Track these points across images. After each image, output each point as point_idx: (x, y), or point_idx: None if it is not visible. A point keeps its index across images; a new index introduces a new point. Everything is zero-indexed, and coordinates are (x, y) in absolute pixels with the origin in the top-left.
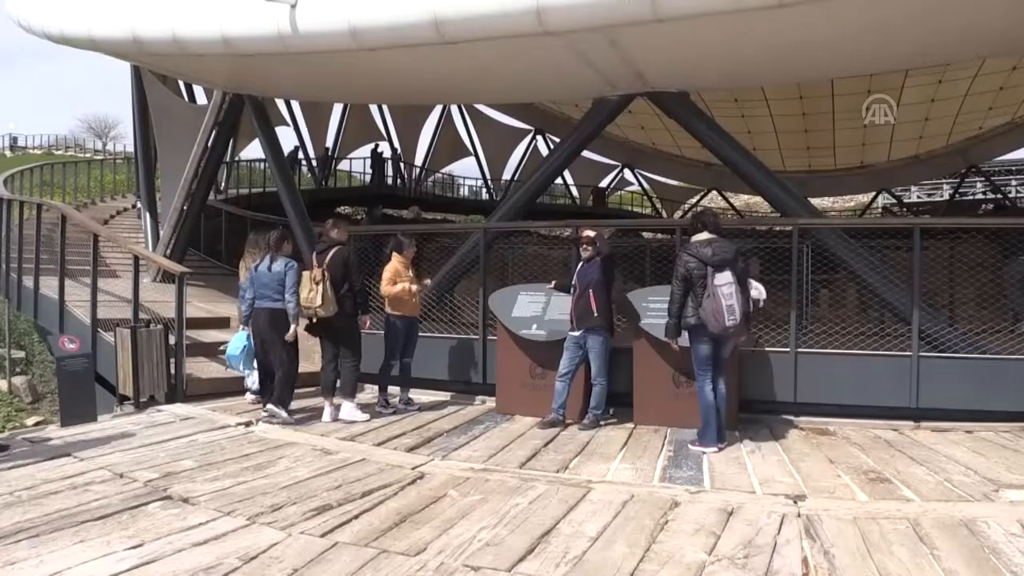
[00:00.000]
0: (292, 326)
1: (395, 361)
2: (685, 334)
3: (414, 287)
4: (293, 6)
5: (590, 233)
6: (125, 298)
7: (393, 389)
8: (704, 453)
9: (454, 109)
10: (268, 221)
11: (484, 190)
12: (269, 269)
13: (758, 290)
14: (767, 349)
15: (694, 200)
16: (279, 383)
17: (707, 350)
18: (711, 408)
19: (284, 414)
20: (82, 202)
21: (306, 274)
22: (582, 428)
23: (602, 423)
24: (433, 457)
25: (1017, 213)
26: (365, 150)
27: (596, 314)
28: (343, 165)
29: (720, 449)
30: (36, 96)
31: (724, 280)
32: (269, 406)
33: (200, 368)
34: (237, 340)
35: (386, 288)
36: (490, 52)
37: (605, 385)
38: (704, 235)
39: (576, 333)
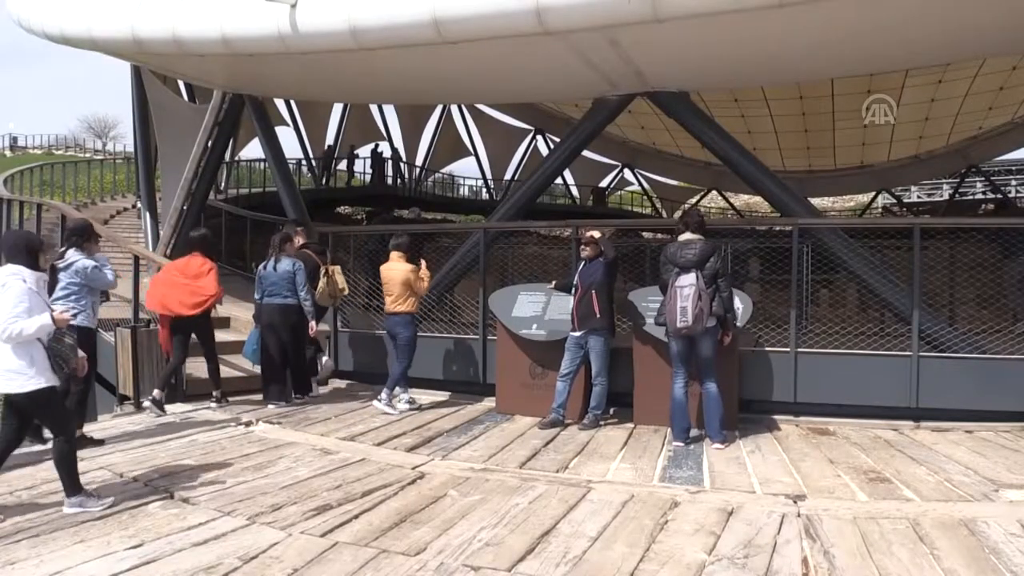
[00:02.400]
0: (311, 322)
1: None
2: (662, 331)
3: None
4: (293, 6)
5: (594, 233)
6: (125, 298)
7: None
8: (674, 444)
9: (454, 109)
10: (267, 221)
11: (484, 190)
12: (275, 269)
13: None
14: (767, 349)
15: (694, 200)
16: (296, 374)
17: (674, 349)
18: (675, 405)
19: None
20: (82, 202)
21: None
22: (582, 428)
23: (602, 423)
24: (433, 457)
25: (1017, 213)
26: (365, 150)
27: (599, 315)
28: (341, 165)
29: (686, 444)
30: (36, 96)
31: (686, 282)
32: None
33: (200, 368)
34: (253, 338)
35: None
36: (490, 52)
37: (606, 385)
38: (685, 235)
39: (577, 334)
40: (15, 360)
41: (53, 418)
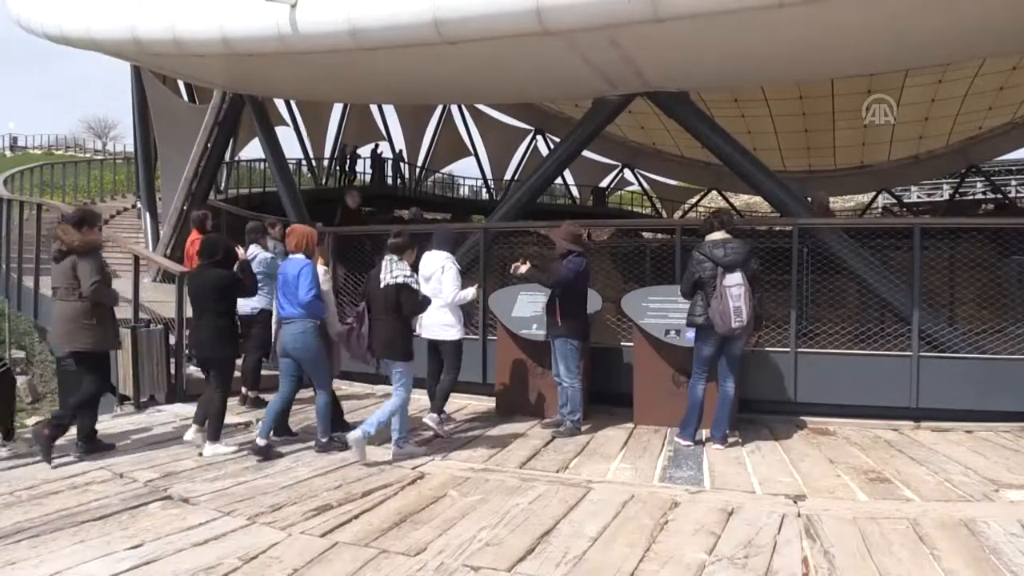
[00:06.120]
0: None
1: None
2: (689, 333)
3: None
4: (293, 6)
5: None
6: (125, 298)
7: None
8: (683, 444)
9: (454, 109)
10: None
11: (484, 190)
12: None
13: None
14: (767, 349)
15: (694, 200)
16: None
17: (710, 351)
18: (697, 406)
19: None
20: (82, 202)
21: None
22: (556, 435)
23: (581, 428)
24: (433, 457)
25: (1017, 212)
26: (365, 150)
27: (559, 322)
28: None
29: (693, 444)
30: (36, 96)
31: (733, 281)
32: None
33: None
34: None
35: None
36: (490, 52)
37: (576, 388)
38: (718, 235)
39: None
40: (451, 317)
41: (458, 359)
